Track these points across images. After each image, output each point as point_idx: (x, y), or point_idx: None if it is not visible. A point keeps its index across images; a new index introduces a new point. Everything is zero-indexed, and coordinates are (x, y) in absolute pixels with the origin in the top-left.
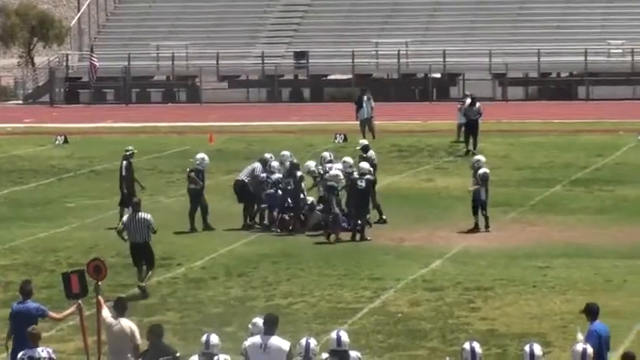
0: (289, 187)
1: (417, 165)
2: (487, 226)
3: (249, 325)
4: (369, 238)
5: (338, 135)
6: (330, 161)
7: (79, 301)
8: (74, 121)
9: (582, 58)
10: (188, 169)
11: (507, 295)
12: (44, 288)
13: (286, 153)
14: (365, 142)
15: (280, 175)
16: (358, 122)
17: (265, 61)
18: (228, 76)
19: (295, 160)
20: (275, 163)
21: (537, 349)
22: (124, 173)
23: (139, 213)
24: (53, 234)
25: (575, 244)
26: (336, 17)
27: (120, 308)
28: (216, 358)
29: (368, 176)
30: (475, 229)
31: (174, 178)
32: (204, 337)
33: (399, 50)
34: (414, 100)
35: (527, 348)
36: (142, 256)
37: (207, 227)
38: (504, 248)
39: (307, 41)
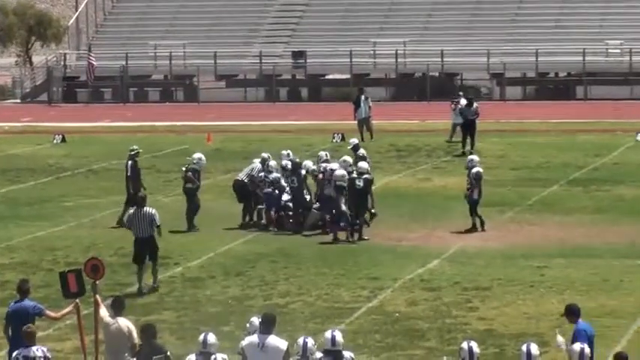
0: (293, 186)
1: (415, 165)
2: (481, 226)
3: (247, 325)
4: (366, 238)
5: (336, 134)
6: (326, 161)
7: (77, 301)
8: (72, 120)
9: (580, 58)
10: (184, 168)
11: (505, 294)
12: (41, 287)
13: (284, 152)
14: (355, 140)
15: (278, 175)
16: (356, 122)
17: (263, 61)
18: (226, 75)
19: (298, 159)
20: (273, 163)
21: (534, 349)
22: (129, 173)
23: (145, 208)
24: (51, 233)
25: (573, 244)
26: (334, 17)
27: (117, 307)
28: (213, 357)
29: (366, 175)
30: (473, 229)
31: (172, 177)
32: (201, 337)
33: (396, 50)
34: (412, 100)
35: (524, 347)
36: (147, 250)
37: (191, 227)
38: (502, 248)
39: (305, 41)
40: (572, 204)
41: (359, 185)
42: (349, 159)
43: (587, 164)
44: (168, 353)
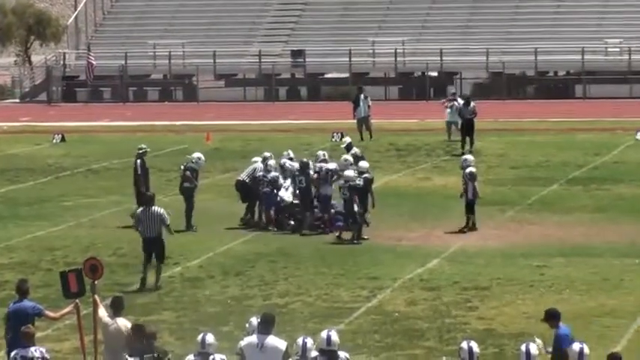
0: (301, 186)
1: (415, 164)
2: (472, 225)
3: (246, 325)
4: (366, 237)
5: (335, 134)
6: (324, 160)
7: (77, 301)
8: (71, 119)
9: (579, 57)
10: (183, 167)
11: (504, 294)
12: (41, 287)
13: (285, 153)
14: (348, 139)
15: (277, 174)
16: (355, 121)
17: (262, 60)
18: (225, 74)
19: (305, 159)
20: (272, 162)
21: (533, 349)
22: (139, 171)
23: (153, 207)
24: (50, 233)
25: (573, 243)
26: (333, 16)
27: (116, 307)
28: (211, 357)
29: (366, 175)
30: (473, 227)
31: (171, 176)
32: (199, 337)
33: (395, 49)
34: (411, 99)
35: (523, 347)
36: (153, 250)
37: (189, 227)
38: (501, 247)
39: (304, 40)
40: (571, 203)
41: (359, 184)
42: (350, 158)
43: (587, 163)
44: (170, 356)
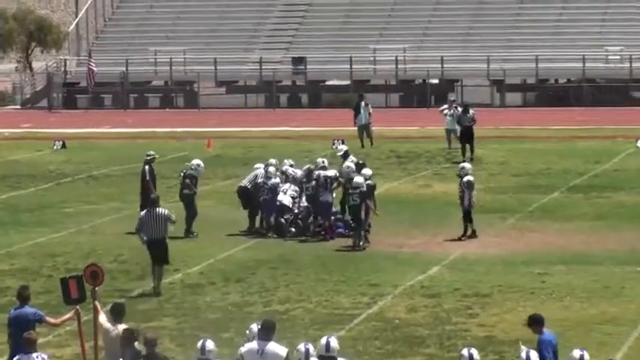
0: (308, 193)
1: (415, 171)
2: (472, 234)
3: (247, 331)
4: (368, 243)
5: (336, 141)
6: (323, 167)
7: (78, 307)
8: (72, 126)
9: (580, 65)
10: (182, 173)
11: (505, 301)
12: (42, 293)
13: (286, 161)
14: (344, 147)
15: (277, 180)
16: (356, 128)
17: (263, 67)
18: (226, 81)
19: (312, 166)
20: (272, 169)
21: (534, 356)
22: (147, 177)
23: (157, 209)
24: (51, 239)
25: (573, 251)
26: (334, 23)
27: (117, 314)
28: None
29: (368, 181)
30: (473, 234)
31: (172, 183)
32: (200, 343)
33: (396, 56)
34: (412, 106)
35: (523, 355)
36: (159, 252)
37: (189, 233)
38: (502, 255)
39: (305, 47)
40: (572, 211)
41: (364, 191)
42: (352, 165)
43: (588, 171)
44: None
